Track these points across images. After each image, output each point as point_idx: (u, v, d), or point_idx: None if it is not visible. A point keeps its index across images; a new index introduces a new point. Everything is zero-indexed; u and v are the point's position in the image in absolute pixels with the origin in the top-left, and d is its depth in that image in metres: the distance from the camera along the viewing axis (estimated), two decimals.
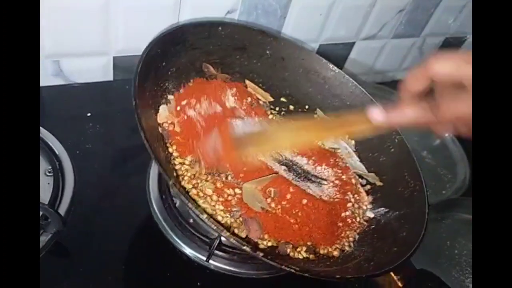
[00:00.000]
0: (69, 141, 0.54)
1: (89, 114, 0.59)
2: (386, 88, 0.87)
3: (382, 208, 0.52)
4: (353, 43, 0.81)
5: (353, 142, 0.60)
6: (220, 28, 0.55)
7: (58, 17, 0.53)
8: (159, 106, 0.46)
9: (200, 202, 0.40)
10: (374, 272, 0.38)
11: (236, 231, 0.41)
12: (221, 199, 0.42)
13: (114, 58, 0.61)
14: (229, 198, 0.43)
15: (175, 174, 0.42)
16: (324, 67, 0.62)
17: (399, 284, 0.40)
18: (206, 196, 0.42)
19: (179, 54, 0.51)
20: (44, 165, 0.51)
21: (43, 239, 0.44)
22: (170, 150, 0.44)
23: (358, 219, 0.50)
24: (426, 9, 0.84)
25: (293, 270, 0.34)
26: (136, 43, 0.58)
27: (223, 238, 0.41)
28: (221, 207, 0.41)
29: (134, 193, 0.52)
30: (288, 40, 0.61)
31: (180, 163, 0.43)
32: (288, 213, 0.44)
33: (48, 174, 0.50)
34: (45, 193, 0.48)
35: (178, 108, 0.47)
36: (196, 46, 0.53)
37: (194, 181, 0.42)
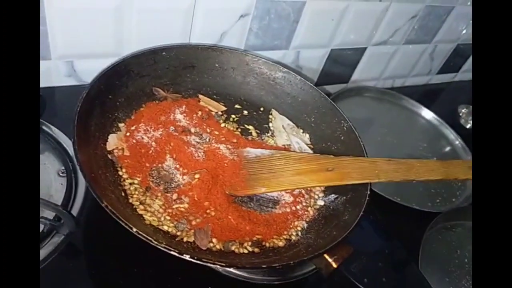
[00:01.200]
0: None
1: None
2: (396, 94, 0.89)
3: (332, 195, 0.55)
4: (365, 48, 0.83)
5: (307, 135, 0.63)
6: (164, 53, 0.60)
7: (72, 18, 0.55)
8: (108, 135, 0.51)
9: (147, 216, 0.45)
10: (302, 258, 0.42)
11: (185, 238, 0.45)
12: (168, 210, 0.47)
13: None
14: (178, 210, 0.47)
15: (123, 194, 0.47)
16: (273, 69, 0.66)
17: (334, 265, 0.43)
18: (154, 210, 0.47)
19: (126, 85, 0.56)
20: (57, 166, 0.51)
21: (56, 240, 0.45)
22: (120, 173, 0.49)
23: (309, 209, 0.53)
24: (438, 15, 0.85)
25: (218, 265, 0.38)
26: (149, 45, 0.61)
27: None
28: (168, 218, 0.46)
29: None
30: (233, 51, 0.65)
31: (130, 183, 0.48)
32: (232, 216, 0.48)
33: (61, 174, 0.51)
34: (57, 194, 0.48)
35: (128, 134, 0.53)
36: (143, 74, 0.58)
37: (142, 198, 0.47)
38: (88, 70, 0.63)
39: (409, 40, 0.87)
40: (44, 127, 0.56)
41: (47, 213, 0.45)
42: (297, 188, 0.53)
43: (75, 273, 0.44)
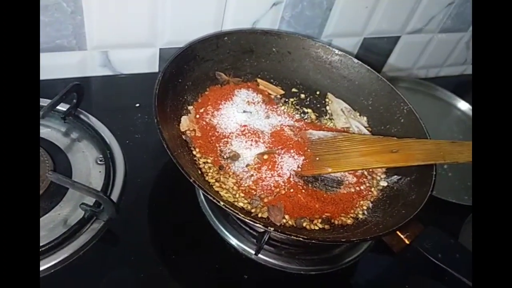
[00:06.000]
0: (119, 131, 0.56)
1: (137, 105, 0.61)
2: (430, 84, 0.87)
3: (395, 176, 0.55)
4: (399, 37, 0.81)
5: (365, 118, 0.64)
6: (226, 38, 0.62)
7: (108, 9, 0.56)
8: (180, 117, 0.54)
9: (223, 193, 0.48)
10: (378, 234, 0.43)
11: (259, 214, 0.47)
12: (242, 188, 0.49)
13: (160, 50, 0.65)
14: (249, 188, 0.49)
15: (199, 172, 0.49)
16: (329, 52, 0.66)
17: (406, 241, 0.44)
18: (229, 188, 0.49)
19: (192, 69, 0.58)
20: (95, 154, 0.53)
21: (96, 226, 0.45)
22: (194, 152, 0.51)
23: (372, 189, 0.55)
24: None
25: (301, 238, 0.40)
26: (182, 35, 0.62)
27: (272, 233, 0.42)
28: (242, 195, 0.49)
29: (183, 184, 0.51)
30: (290, 35, 0.66)
31: (204, 162, 0.51)
32: (301, 194, 0.50)
33: (99, 162, 0.51)
34: (96, 182, 0.49)
35: (197, 116, 0.55)
36: (207, 58, 0.60)
37: (217, 176, 0.50)
38: (122, 60, 0.65)
39: (445, 28, 0.84)
40: (81, 116, 0.57)
41: (87, 199, 0.47)
42: (363, 169, 0.54)
43: (112, 260, 0.45)
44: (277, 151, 0.53)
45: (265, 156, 0.52)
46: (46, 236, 0.44)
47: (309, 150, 0.54)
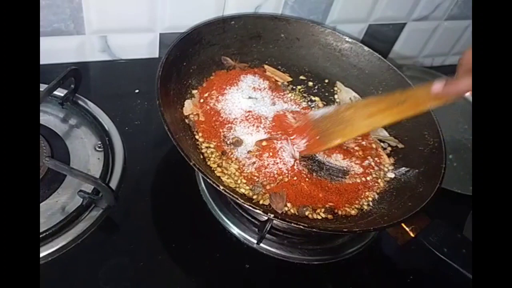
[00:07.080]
0: (118, 117, 0.55)
1: (137, 91, 0.60)
2: (436, 73, 0.84)
3: (403, 168, 0.54)
4: (404, 24, 0.80)
5: None
6: (233, 22, 0.60)
7: None
8: (184, 101, 0.53)
9: (225, 178, 0.47)
10: (382, 225, 0.42)
11: (261, 201, 0.46)
12: (244, 174, 0.48)
13: (161, 35, 0.64)
14: (252, 174, 0.48)
15: (201, 156, 0.48)
16: (339, 40, 0.65)
17: (411, 234, 0.43)
18: (230, 173, 0.48)
19: (198, 53, 0.57)
20: (93, 140, 0.52)
21: (94, 214, 0.45)
22: (197, 137, 0.50)
23: (379, 180, 0.53)
24: None
25: (301, 226, 0.39)
26: (182, 20, 0.61)
27: (274, 221, 0.42)
28: (244, 181, 0.48)
29: (183, 172, 0.52)
30: (299, 20, 0.65)
31: (206, 147, 0.50)
32: (305, 183, 0.49)
33: (98, 149, 0.50)
34: (94, 168, 0.49)
35: (202, 101, 0.54)
36: (213, 42, 0.59)
37: (219, 161, 0.49)
38: (121, 46, 0.63)
39: (451, 15, 0.81)
40: (80, 102, 0.56)
41: (85, 187, 0.46)
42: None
43: (111, 248, 0.44)
44: (277, 137, 0.51)
45: (264, 143, 0.51)
46: (43, 223, 0.43)
47: (314, 129, 0.52)
